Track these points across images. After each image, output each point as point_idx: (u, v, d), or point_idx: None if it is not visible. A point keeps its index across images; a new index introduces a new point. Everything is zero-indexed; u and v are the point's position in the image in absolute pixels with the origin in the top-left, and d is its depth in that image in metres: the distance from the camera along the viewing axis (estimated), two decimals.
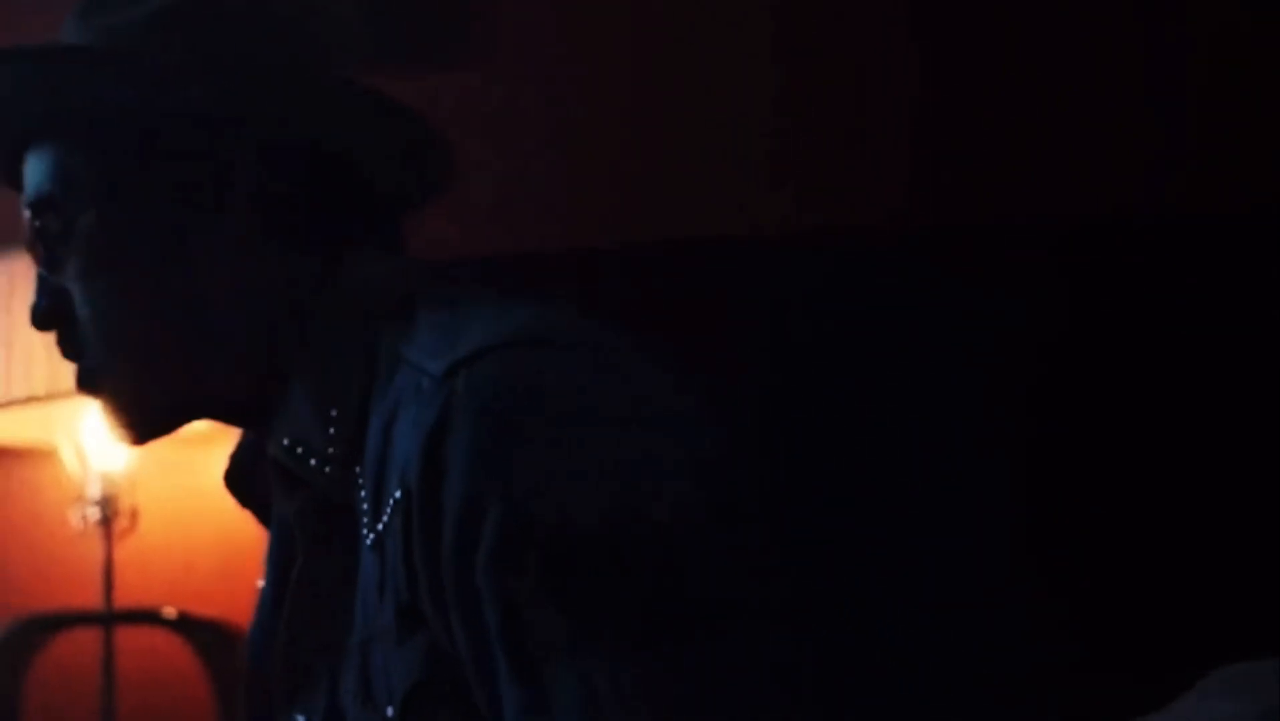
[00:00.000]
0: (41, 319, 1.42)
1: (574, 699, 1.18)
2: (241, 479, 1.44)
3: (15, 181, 1.47)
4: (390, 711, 1.26)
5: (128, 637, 2.60)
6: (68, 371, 2.35)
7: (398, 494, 1.23)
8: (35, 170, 1.43)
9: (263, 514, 1.44)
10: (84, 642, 2.60)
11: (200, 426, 2.58)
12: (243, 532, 2.48)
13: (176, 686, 2.61)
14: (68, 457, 2.67)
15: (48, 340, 2.56)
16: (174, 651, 2.60)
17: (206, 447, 2.58)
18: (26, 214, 1.43)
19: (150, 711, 2.61)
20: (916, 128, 2.59)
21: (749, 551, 1.25)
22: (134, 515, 2.57)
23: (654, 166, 2.60)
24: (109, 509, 2.54)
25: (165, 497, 2.64)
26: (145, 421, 1.42)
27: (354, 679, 1.29)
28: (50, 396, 2.52)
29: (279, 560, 1.41)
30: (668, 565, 1.21)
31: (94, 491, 2.61)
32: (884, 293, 2.28)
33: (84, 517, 2.61)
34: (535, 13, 2.65)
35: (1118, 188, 2.42)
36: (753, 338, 2.27)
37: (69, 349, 1.43)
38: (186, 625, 2.60)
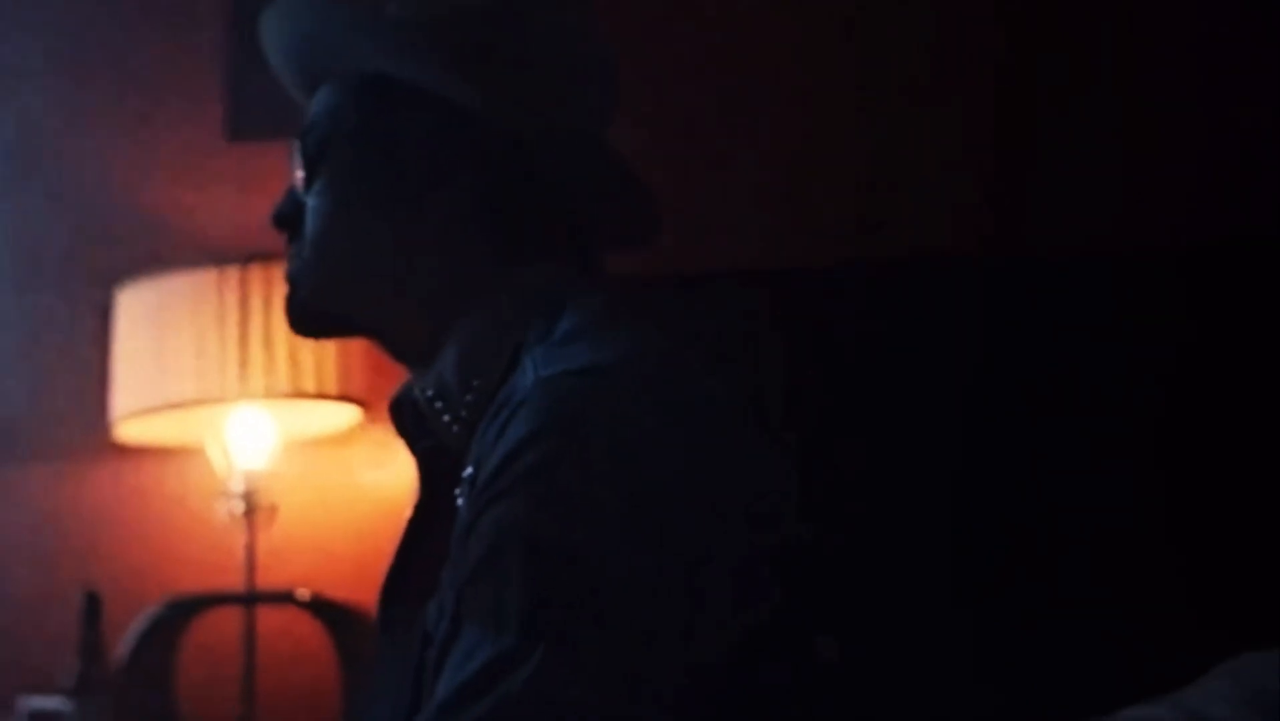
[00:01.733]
0: (278, 219, 1.58)
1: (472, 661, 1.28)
2: (400, 413, 1.53)
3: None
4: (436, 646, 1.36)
5: (266, 616, 2.67)
6: (213, 380, 2.53)
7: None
8: (317, 100, 1.58)
9: (411, 446, 1.54)
10: (228, 620, 2.68)
11: (335, 431, 2.83)
12: (369, 524, 2.65)
13: (308, 659, 2.67)
14: (215, 456, 2.73)
15: (196, 351, 2.73)
16: (306, 628, 2.67)
17: (337, 450, 2.74)
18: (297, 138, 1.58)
19: (285, 681, 2.67)
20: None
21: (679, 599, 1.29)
22: (273, 508, 2.63)
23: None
24: (251, 502, 2.61)
25: (301, 493, 2.71)
26: (313, 318, 1.57)
27: (434, 605, 1.39)
28: (199, 402, 2.58)
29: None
30: (591, 582, 1.28)
31: (237, 487, 2.66)
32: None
33: (229, 510, 2.67)
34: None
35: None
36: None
37: (290, 249, 1.58)
38: (318, 606, 2.67)
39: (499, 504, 1.30)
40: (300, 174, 1.55)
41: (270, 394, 2.55)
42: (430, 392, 1.47)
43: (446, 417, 1.46)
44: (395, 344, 1.54)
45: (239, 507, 2.65)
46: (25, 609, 2.86)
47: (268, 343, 2.54)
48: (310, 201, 1.54)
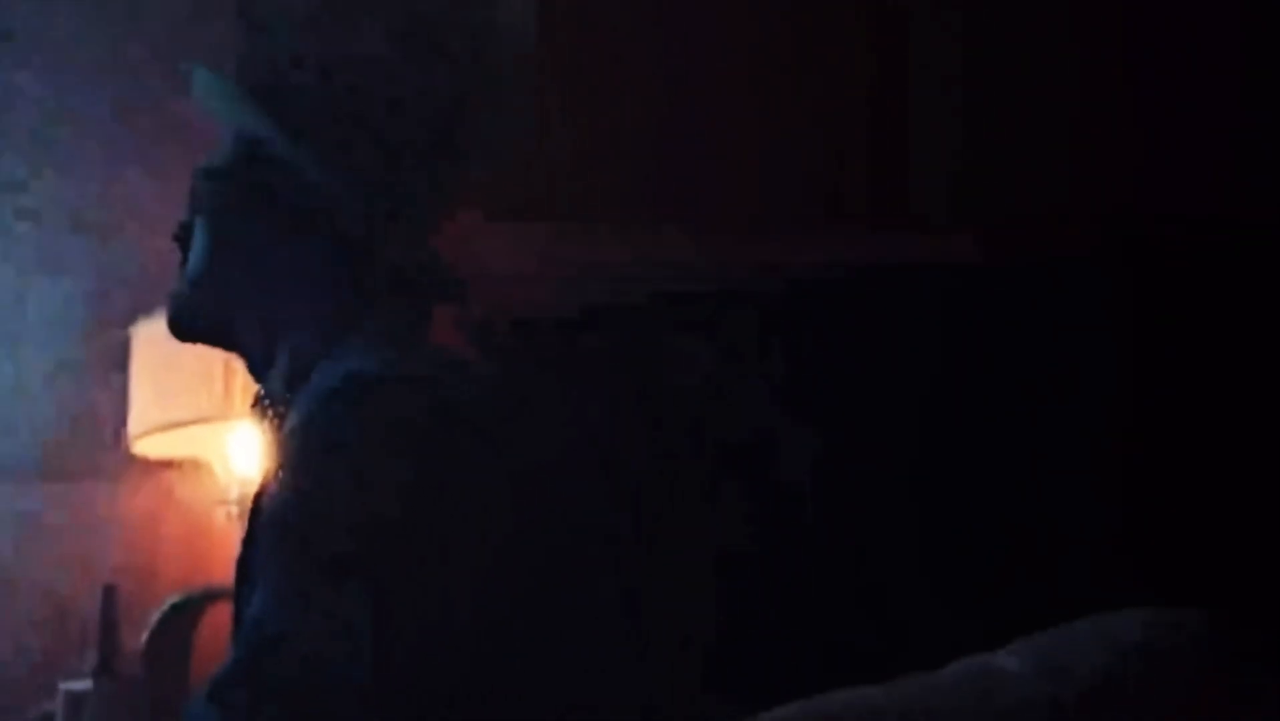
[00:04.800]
0: (176, 239, 1.71)
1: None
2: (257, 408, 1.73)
3: None
4: None
5: None
6: (215, 401, 2.75)
7: None
8: (217, 148, 1.72)
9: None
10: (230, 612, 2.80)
11: None
12: None
13: None
14: (217, 468, 2.90)
15: (201, 377, 2.90)
16: None
17: None
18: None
19: None
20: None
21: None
22: None
23: None
24: (245, 507, 2.46)
25: None
26: (184, 333, 1.73)
27: None
28: (203, 420, 2.75)
29: None
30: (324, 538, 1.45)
31: (235, 494, 2.82)
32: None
33: (228, 515, 2.84)
34: None
35: None
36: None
37: (182, 265, 1.71)
38: None
39: (273, 489, 1.53)
40: (189, 207, 1.72)
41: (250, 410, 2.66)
42: (266, 400, 1.70)
43: (273, 411, 1.68)
44: (250, 364, 1.74)
45: (235, 512, 2.80)
46: (60, 604, 3.03)
47: None
48: (195, 234, 1.71)
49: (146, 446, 2.93)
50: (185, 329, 1.76)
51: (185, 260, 1.74)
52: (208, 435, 2.87)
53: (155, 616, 2.92)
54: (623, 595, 1.68)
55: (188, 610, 2.93)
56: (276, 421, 1.68)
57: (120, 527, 3.08)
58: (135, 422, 2.90)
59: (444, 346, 1.73)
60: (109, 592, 2.86)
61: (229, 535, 2.85)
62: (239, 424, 2.80)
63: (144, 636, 2.91)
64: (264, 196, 1.70)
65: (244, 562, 1.70)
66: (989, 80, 2.56)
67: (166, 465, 3.05)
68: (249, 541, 1.67)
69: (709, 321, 2.30)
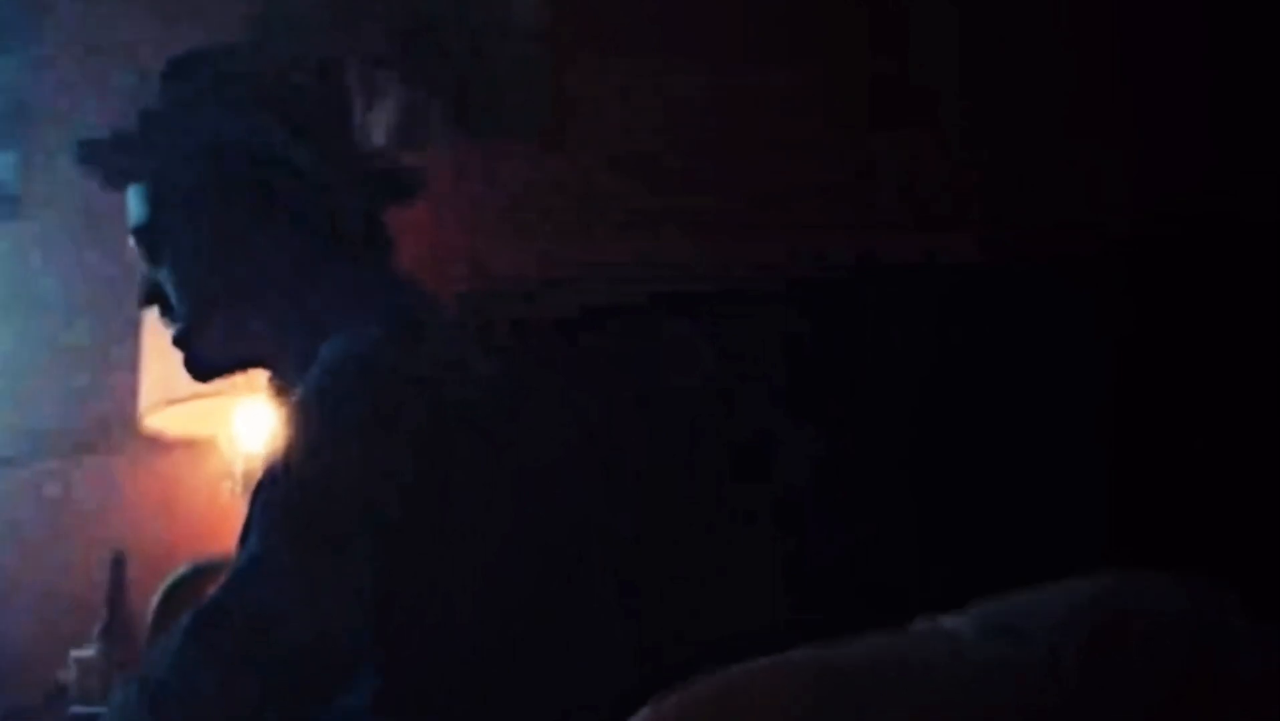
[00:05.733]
0: (144, 299, 1.78)
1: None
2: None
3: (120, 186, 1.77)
4: None
5: None
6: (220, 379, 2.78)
7: None
8: (134, 203, 1.75)
9: None
10: None
11: None
12: None
13: None
14: (222, 444, 2.95)
15: None
16: None
17: None
18: (130, 236, 1.76)
19: None
20: None
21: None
22: None
23: None
24: (250, 481, 2.53)
25: None
26: (210, 370, 1.78)
27: None
28: (209, 396, 2.71)
29: None
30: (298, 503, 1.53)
31: (240, 469, 2.86)
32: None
33: (232, 489, 2.88)
34: None
35: None
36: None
37: (166, 318, 1.76)
38: None
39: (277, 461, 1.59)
40: (146, 262, 1.76)
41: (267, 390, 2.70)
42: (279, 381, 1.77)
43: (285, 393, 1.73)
44: (278, 368, 1.78)
45: (240, 486, 2.84)
46: (72, 573, 3.07)
47: None
48: (164, 280, 1.75)
49: (156, 422, 2.97)
50: (210, 369, 1.80)
51: (167, 314, 1.78)
52: (215, 411, 2.90)
53: (162, 585, 2.97)
54: (621, 593, 1.73)
55: (194, 579, 2.95)
56: (286, 398, 1.73)
57: (131, 499, 3.12)
58: (145, 398, 2.94)
59: (446, 338, 1.75)
60: (118, 561, 2.93)
61: (235, 509, 2.70)
62: (244, 400, 2.84)
63: (151, 603, 2.96)
64: (224, 198, 1.73)
65: (247, 529, 1.74)
66: (989, 80, 2.56)
67: (176, 441, 3.07)
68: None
69: (709, 321, 2.30)
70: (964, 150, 2.53)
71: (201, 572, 2.97)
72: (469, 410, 1.62)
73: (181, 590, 2.96)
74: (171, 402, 2.86)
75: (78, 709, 2.81)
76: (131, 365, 2.99)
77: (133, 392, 2.99)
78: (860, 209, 2.55)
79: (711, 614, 2.06)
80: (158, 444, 3.09)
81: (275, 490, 1.58)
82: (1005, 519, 2.10)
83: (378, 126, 2.68)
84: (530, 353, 2.00)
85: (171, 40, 1.87)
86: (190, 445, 3.09)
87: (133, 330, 2.97)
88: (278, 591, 1.52)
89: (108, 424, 3.13)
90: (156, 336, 2.85)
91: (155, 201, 1.78)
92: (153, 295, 1.79)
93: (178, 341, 1.78)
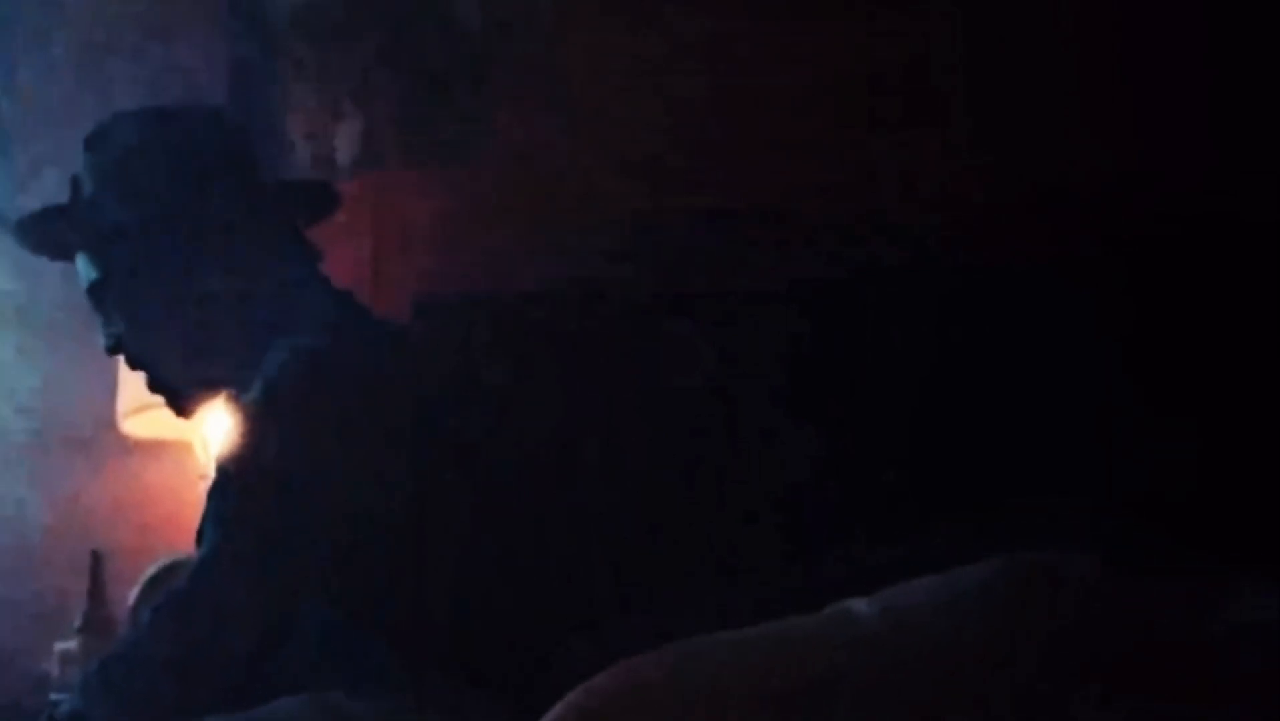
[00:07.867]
0: (110, 350, 1.89)
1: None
2: None
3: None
4: None
5: None
6: None
7: None
8: (82, 266, 1.89)
9: None
10: None
11: None
12: None
13: None
14: (196, 447, 3.00)
15: None
16: None
17: None
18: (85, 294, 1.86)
19: None
20: None
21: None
22: None
23: None
24: None
25: None
26: (190, 407, 1.89)
27: None
28: None
29: None
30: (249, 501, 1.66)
31: (210, 470, 2.62)
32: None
33: (204, 489, 2.55)
34: None
35: None
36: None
37: (133, 366, 1.88)
38: None
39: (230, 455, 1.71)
40: (101, 316, 1.85)
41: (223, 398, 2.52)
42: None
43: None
44: (235, 381, 1.87)
45: None
46: (55, 571, 3.11)
47: None
48: (120, 333, 1.84)
49: (133, 426, 3.02)
50: (189, 406, 1.91)
51: (131, 362, 1.88)
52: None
53: (140, 580, 3.01)
54: (620, 593, 1.78)
55: (169, 575, 2.93)
56: (239, 398, 1.85)
57: (110, 499, 3.16)
58: (123, 403, 2.99)
59: (385, 341, 1.87)
60: (96, 558, 3.01)
61: None
62: (216, 406, 2.71)
63: (130, 598, 3.00)
64: (193, 248, 1.83)
65: (203, 526, 1.87)
66: (990, 80, 2.54)
67: (152, 444, 3.12)
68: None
69: (709, 321, 2.29)
70: (964, 150, 2.51)
71: (176, 568, 2.96)
72: (417, 408, 1.73)
73: (158, 585, 2.99)
74: (148, 407, 2.86)
75: (57, 697, 2.73)
76: (110, 371, 3.01)
77: (111, 397, 3.05)
78: (860, 209, 2.52)
79: (711, 614, 1.95)
80: (135, 446, 3.14)
81: (228, 488, 1.73)
82: (1005, 519, 2.01)
83: (341, 150, 2.80)
84: (508, 354, 2.07)
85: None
86: (166, 447, 3.14)
87: None
88: (230, 583, 1.67)
89: (87, 427, 3.15)
90: None
91: (98, 264, 1.89)
92: (114, 348, 1.91)
93: (152, 388, 1.90)
